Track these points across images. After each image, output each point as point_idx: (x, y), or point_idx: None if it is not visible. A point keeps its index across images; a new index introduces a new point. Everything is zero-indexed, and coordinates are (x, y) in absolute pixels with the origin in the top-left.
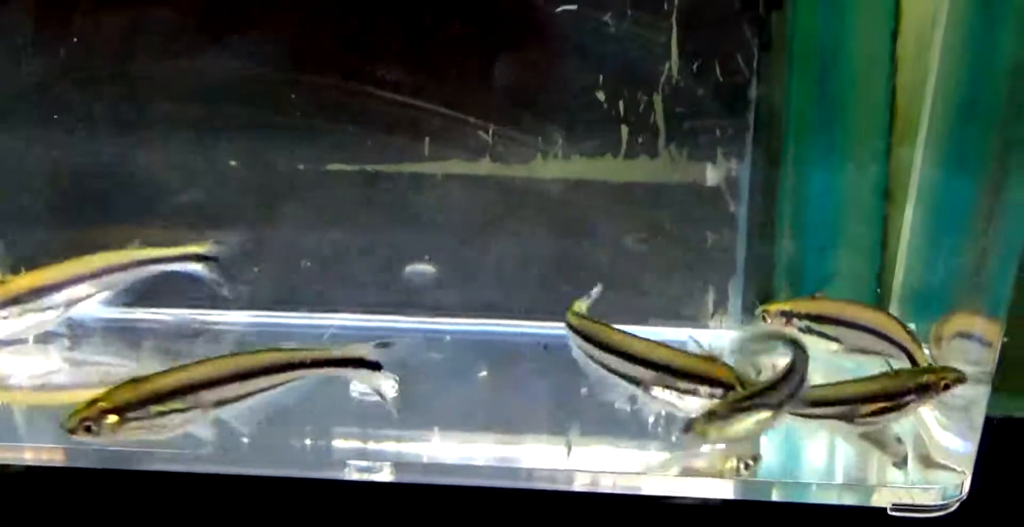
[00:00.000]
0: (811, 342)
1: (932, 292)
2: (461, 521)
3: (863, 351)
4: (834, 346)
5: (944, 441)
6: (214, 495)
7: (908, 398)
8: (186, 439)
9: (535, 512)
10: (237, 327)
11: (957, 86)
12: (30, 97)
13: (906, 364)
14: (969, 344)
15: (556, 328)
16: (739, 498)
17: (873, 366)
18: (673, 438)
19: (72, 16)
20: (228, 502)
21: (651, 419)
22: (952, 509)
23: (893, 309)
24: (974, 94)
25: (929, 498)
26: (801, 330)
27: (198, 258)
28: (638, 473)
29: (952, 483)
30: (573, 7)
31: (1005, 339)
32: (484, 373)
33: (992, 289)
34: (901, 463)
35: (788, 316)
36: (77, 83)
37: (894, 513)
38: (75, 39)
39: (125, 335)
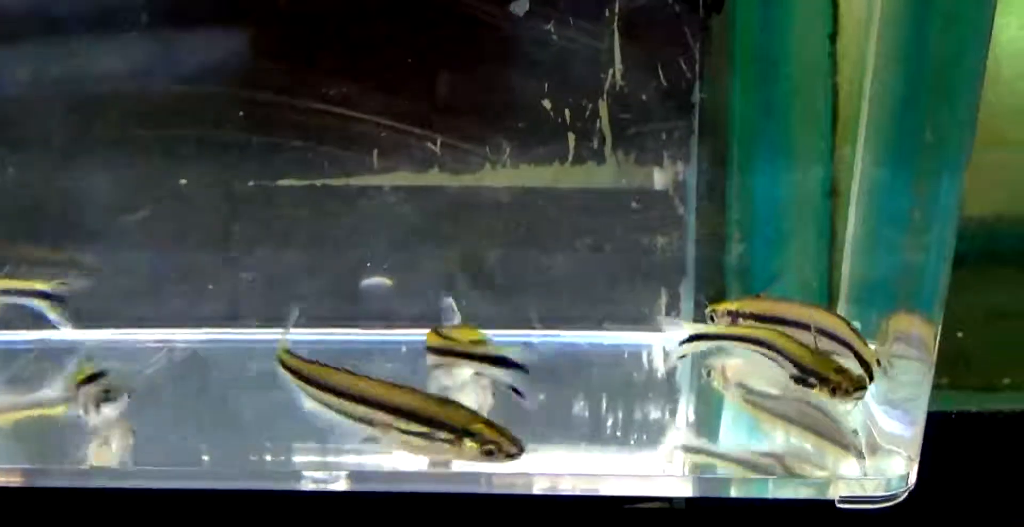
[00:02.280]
0: None
1: (877, 289)
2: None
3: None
4: None
5: (889, 433)
6: (175, 511)
7: (806, 379)
8: (145, 456)
9: (497, 518)
10: (191, 345)
11: (892, 86)
12: None
13: (853, 362)
14: (911, 338)
15: (512, 335)
16: (698, 496)
17: None
18: (631, 440)
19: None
20: (188, 518)
21: (607, 422)
22: (899, 500)
23: (841, 306)
24: (908, 93)
25: (876, 490)
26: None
27: (42, 295)
28: (596, 475)
29: (898, 474)
30: (525, 6)
31: (959, 335)
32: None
33: (929, 284)
34: (857, 455)
35: (734, 315)
36: (24, 103)
37: (842, 506)
38: (22, 59)
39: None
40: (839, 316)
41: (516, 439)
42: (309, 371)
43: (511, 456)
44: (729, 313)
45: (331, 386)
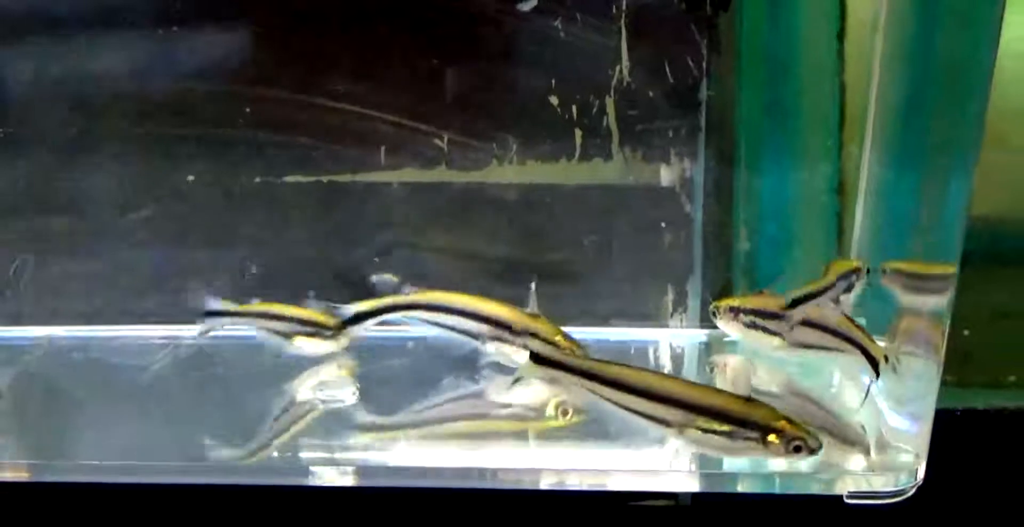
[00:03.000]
0: (755, 338)
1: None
2: (426, 523)
3: (809, 347)
4: (776, 341)
5: (897, 429)
6: (181, 507)
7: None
8: (147, 451)
9: (502, 514)
10: (196, 341)
11: (900, 84)
12: None
13: (859, 358)
14: (918, 337)
15: None
16: (705, 490)
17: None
18: (638, 437)
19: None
20: (195, 514)
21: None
22: (908, 496)
23: (847, 302)
24: (916, 92)
25: (885, 485)
26: (746, 325)
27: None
28: (602, 470)
29: (906, 470)
30: (533, 2)
31: (965, 333)
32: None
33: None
34: (864, 452)
35: (735, 312)
36: (26, 100)
37: (850, 501)
38: (24, 57)
39: None
40: (844, 314)
41: (815, 434)
42: (590, 367)
43: (813, 451)
44: (731, 309)
45: (623, 383)
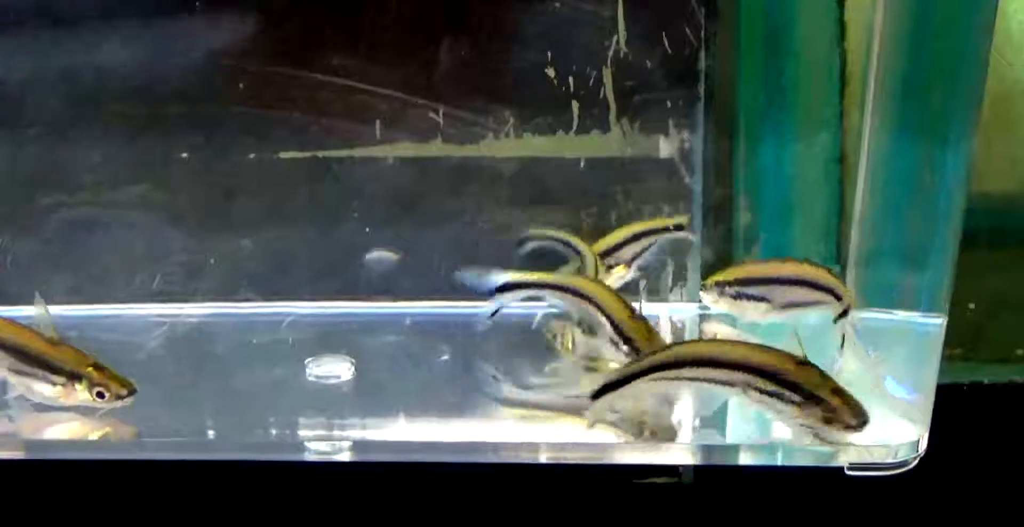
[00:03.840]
0: (745, 308)
1: (887, 256)
2: (425, 501)
3: (796, 305)
4: (763, 306)
5: (898, 399)
6: (178, 483)
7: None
8: (146, 427)
9: (501, 488)
10: (193, 319)
11: (901, 51)
12: None
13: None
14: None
15: (519, 306)
16: (705, 463)
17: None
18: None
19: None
20: (192, 490)
21: None
22: (910, 468)
23: (850, 274)
24: (917, 58)
25: (887, 457)
26: (732, 297)
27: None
28: (603, 444)
29: (908, 441)
30: None
31: (971, 306)
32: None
33: (939, 251)
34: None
35: (721, 286)
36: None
37: (851, 473)
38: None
39: None
40: (820, 265)
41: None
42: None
43: (850, 427)
44: (716, 284)
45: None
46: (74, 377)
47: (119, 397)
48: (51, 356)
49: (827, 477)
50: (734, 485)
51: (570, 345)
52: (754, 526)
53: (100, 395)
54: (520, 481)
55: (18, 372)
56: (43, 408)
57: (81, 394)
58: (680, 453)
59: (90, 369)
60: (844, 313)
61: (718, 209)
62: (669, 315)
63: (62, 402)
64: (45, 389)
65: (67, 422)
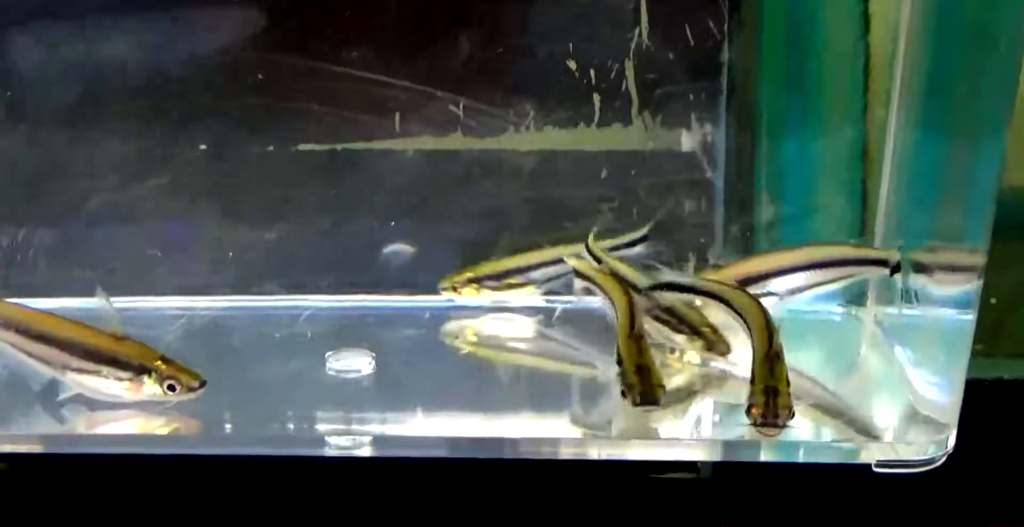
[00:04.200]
0: None
1: (910, 252)
2: (444, 497)
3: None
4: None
5: (927, 396)
6: (194, 478)
7: None
8: (166, 421)
9: (521, 484)
10: (211, 312)
11: (928, 43)
12: None
13: None
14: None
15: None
16: (728, 460)
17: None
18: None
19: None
20: (208, 485)
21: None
22: (938, 465)
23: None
24: (945, 50)
25: (913, 454)
26: None
27: None
28: (623, 439)
29: (936, 439)
30: None
31: (992, 301)
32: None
33: (967, 244)
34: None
35: None
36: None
37: (879, 470)
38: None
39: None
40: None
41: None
42: None
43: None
44: None
45: None
46: (143, 371)
47: (191, 389)
48: (118, 351)
49: (846, 472)
50: (752, 480)
51: None
52: (772, 521)
53: (171, 388)
54: (537, 476)
55: (80, 370)
56: (96, 405)
57: (150, 388)
58: (701, 449)
59: (159, 362)
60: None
61: (739, 203)
62: None
63: (128, 398)
64: (110, 386)
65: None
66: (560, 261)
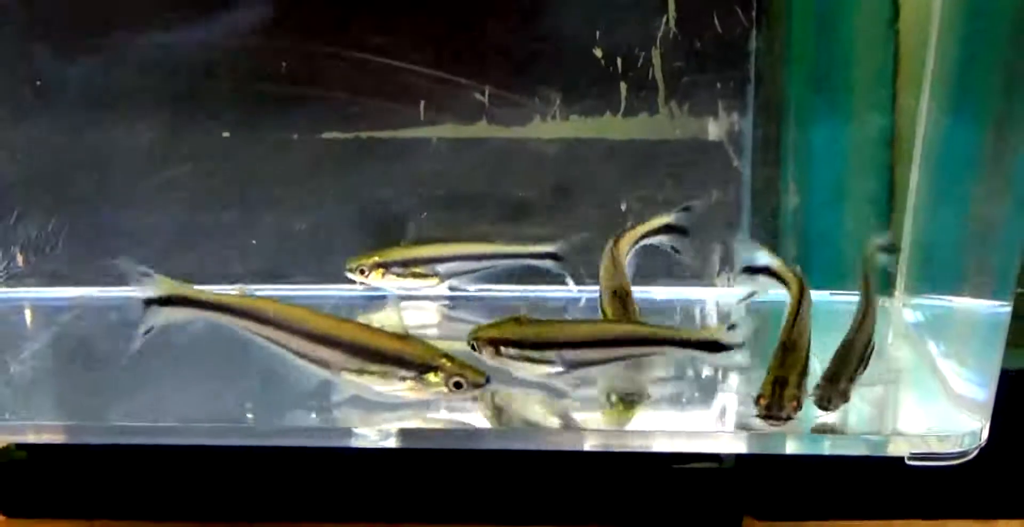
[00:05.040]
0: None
1: (944, 244)
2: (468, 487)
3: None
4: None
5: (960, 388)
6: (221, 469)
7: None
8: (185, 413)
9: (546, 476)
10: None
11: (959, 29)
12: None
13: None
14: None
15: (563, 290)
16: (752, 453)
17: None
18: (683, 398)
19: None
20: (232, 475)
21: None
22: (971, 457)
23: (903, 259)
24: (977, 36)
25: (947, 446)
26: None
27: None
28: (647, 431)
29: (971, 431)
30: None
31: (1020, 290)
32: None
33: (1004, 234)
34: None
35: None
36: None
37: (912, 463)
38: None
39: None
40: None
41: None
42: None
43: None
44: None
45: None
46: (428, 369)
47: (476, 386)
48: (402, 350)
49: (870, 462)
50: (775, 470)
51: None
52: (795, 511)
53: (457, 385)
54: (560, 465)
55: (360, 371)
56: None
57: (435, 387)
58: (727, 441)
59: (444, 360)
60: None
61: (766, 193)
62: (716, 300)
63: (410, 397)
64: (393, 385)
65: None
66: (473, 257)
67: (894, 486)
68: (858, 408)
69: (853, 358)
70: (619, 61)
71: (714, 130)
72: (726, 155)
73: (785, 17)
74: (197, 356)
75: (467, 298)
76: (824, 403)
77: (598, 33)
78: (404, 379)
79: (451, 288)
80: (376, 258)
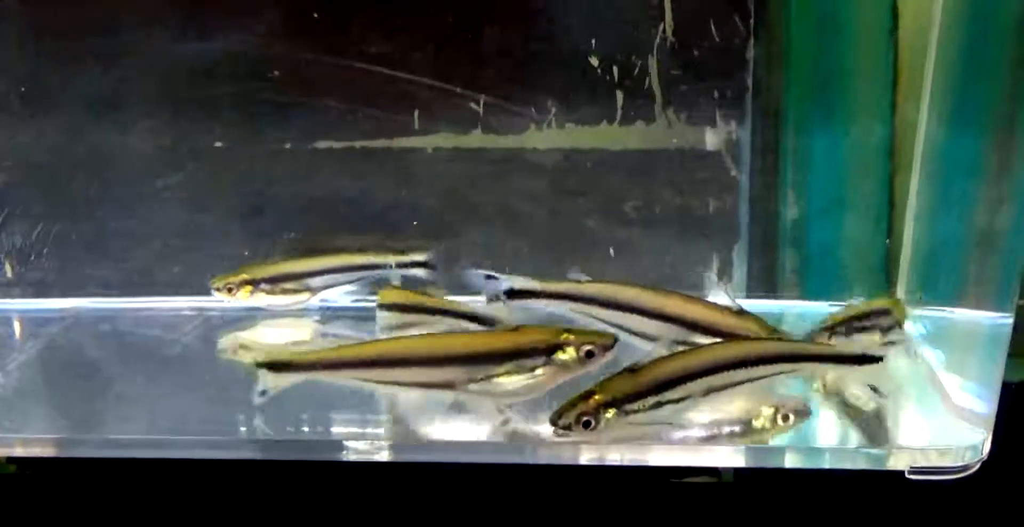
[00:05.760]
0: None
1: (944, 254)
2: (464, 501)
3: None
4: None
5: (961, 401)
6: (213, 483)
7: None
8: (176, 426)
9: (541, 489)
10: (226, 312)
11: (960, 38)
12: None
13: None
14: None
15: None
16: (751, 466)
17: None
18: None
19: None
20: (226, 489)
21: None
22: (973, 471)
23: (902, 273)
24: (977, 45)
25: (948, 460)
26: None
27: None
28: (644, 444)
29: (972, 445)
30: None
31: (1021, 302)
32: None
33: (1007, 244)
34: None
35: None
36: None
37: (912, 477)
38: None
39: None
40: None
41: None
42: None
43: None
44: None
45: None
46: (555, 349)
47: (607, 348)
48: (517, 343)
49: (869, 477)
50: (774, 484)
51: None
52: (794, 525)
53: (589, 354)
54: (557, 480)
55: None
56: None
57: (569, 365)
58: (726, 455)
59: (566, 335)
60: None
61: (765, 203)
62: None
63: (546, 385)
64: (525, 378)
65: None
66: (342, 269)
67: (897, 500)
68: (858, 421)
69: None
70: (616, 69)
71: (712, 139)
72: (724, 164)
73: (783, 25)
74: (188, 368)
75: (339, 310)
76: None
77: (594, 41)
78: (534, 368)
79: (322, 301)
80: (244, 275)
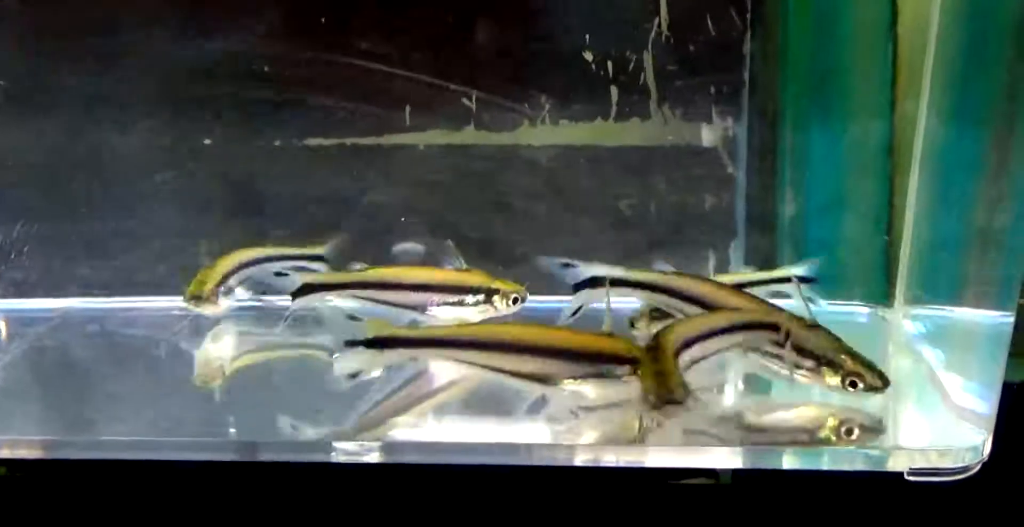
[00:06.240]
0: None
1: (943, 251)
2: (461, 503)
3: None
4: None
5: (961, 401)
6: (202, 484)
7: None
8: (164, 427)
9: (536, 491)
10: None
11: (959, 33)
12: None
13: None
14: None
15: (553, 300)
16: (749, 467)
17: None
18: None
19: None
20: (214, 491)
21: None
22: (973, 472)
23: (903, 268)
24: (977, 40)
25: (948, 461)
26: None
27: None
28: (640, 446)
29: (972, 445)
30: None
31: (1022, 301)
32: None
33: (1007, 242)
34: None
35: None
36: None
37: (912, 478)
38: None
39: None
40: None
41: None
42: None
43: None
44: None
45: None
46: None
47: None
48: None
49: (867, 478)
50: (772, 486)
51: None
52: None
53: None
54: (554, 482)
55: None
56: None
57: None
58: (725, 456)
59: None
60: None
61: (762, 200)
62: None
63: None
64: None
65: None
66: (243, 264)
67: (897, 501)
68: (857, 421)
69: None
70: (610, 65)
71: (708, 136)
72: (720, 161)
73: (780, 20)
74: (177, 369)
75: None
76: None
77: (588, 36)
78: (622, 376)
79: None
80: (210, 284)
